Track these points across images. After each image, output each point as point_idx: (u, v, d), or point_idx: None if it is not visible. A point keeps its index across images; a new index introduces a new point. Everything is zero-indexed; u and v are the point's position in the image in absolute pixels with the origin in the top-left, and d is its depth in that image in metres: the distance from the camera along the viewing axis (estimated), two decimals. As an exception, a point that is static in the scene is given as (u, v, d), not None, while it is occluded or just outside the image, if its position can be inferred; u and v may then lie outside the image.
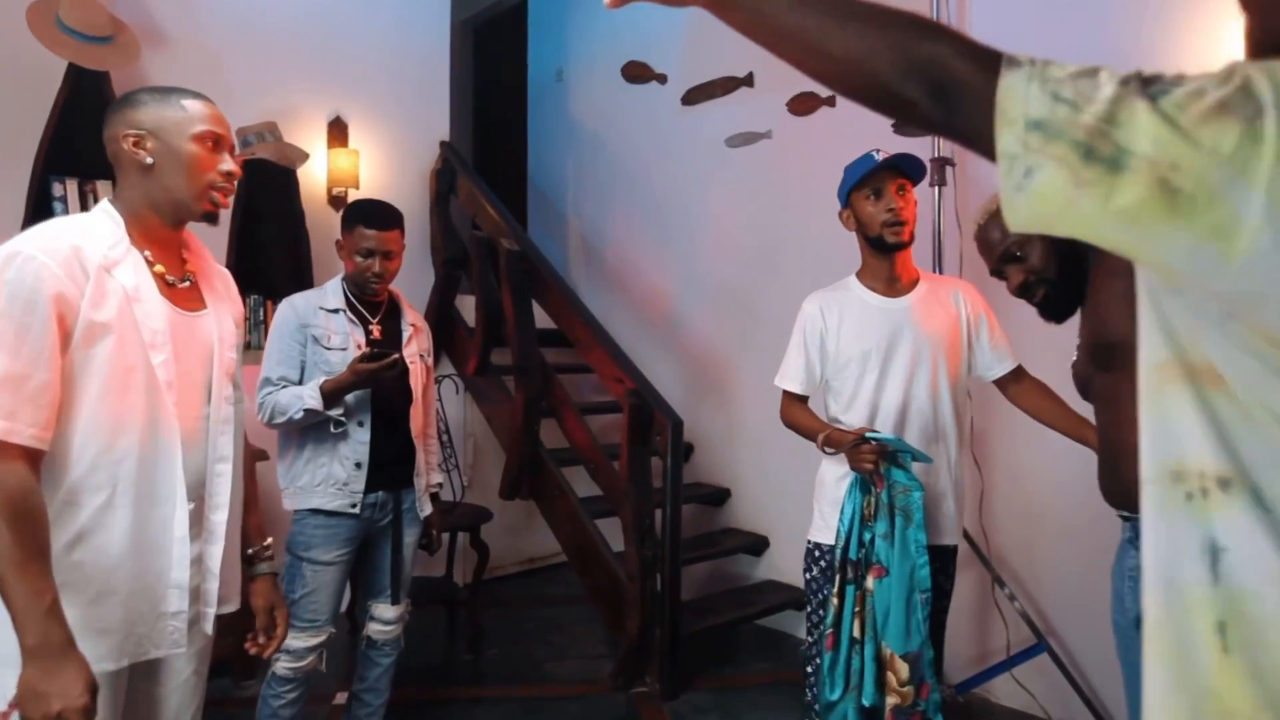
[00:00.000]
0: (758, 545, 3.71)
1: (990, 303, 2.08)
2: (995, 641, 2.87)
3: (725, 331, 3.90)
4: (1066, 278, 1.45)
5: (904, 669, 1.81)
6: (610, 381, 3.19)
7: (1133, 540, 1.39)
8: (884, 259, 1.98)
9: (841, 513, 1.89)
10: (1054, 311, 1.50)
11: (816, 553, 2.03)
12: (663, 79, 4.08)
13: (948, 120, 0.73)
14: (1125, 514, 1.40)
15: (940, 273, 2.73)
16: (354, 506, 2.12)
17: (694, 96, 3.94)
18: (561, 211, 4.89)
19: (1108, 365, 1.37)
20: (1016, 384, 2.08)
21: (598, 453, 3.20)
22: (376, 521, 2.20)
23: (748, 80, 3.70)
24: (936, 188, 2.75)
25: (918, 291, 2.00)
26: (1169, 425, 0.76)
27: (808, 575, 2.05)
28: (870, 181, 1.93)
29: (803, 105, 3.50)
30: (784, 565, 3.65)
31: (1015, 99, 0.69)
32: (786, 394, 2.11)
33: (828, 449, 1.94)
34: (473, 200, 3.87)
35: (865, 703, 1.85)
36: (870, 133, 3.21)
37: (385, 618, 2.26)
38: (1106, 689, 2.63)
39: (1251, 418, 0.71)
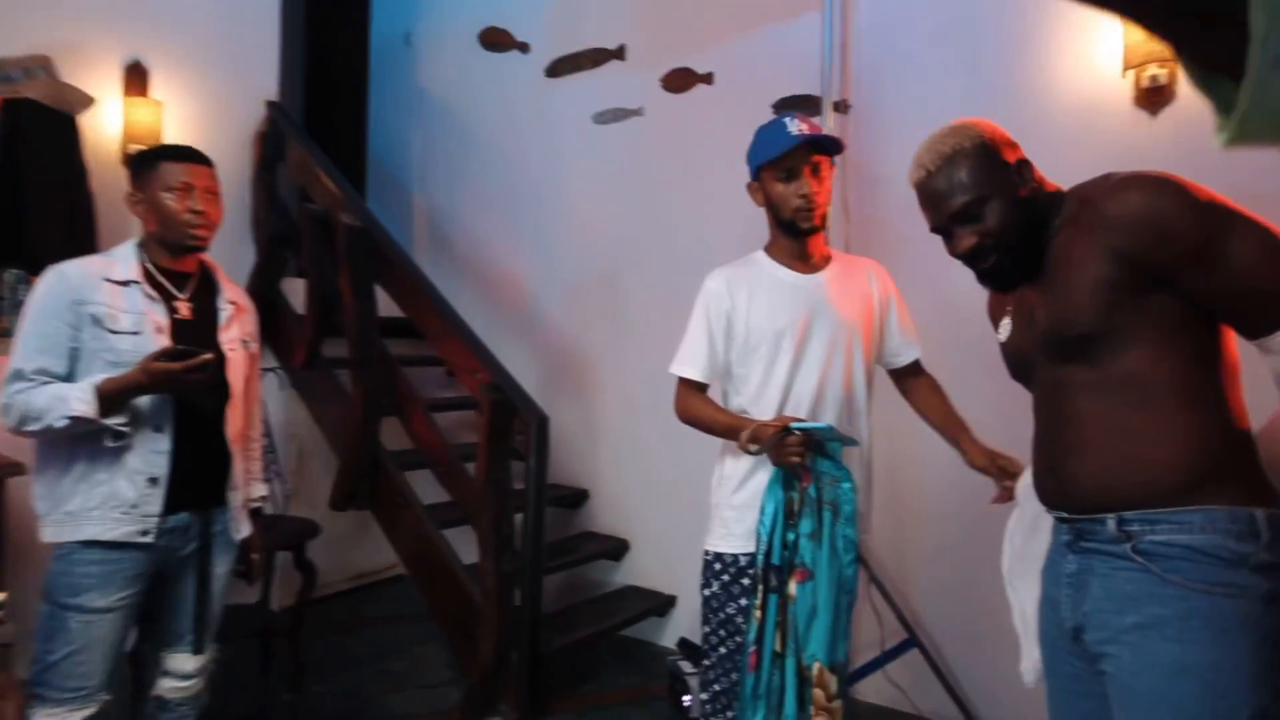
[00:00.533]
0: (618, 550, 3.48)
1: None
2: (867, 637, 2.79)
3: (587, 321, 3.65)
4: (1027, 245, 1.26)
5: (833, 682, 1.64)
6: (466, 375, 2.84)
7: (1071, 544, 1.26)
8: (795, 238, 1.81)
9: (762, 514, 1.68)
10: (1001, 280, 1.32)
11: (718, 565, 1.82)
12: (525, 48, 3.76)
13: None
14: (1064, 515, 1.26)
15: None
16: (146, 534, 1.64)
17: (560, 68, 3.65)
18: (406, 188, 4.44)
19: (1068, 357, 1.22)
20: (914, 377, 1.97)
21: (449, 455, 2.85)
22: (177, 551, 1.73)
23: (619, 53, 3.46)
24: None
25: (831, 269, 1.84)
26: None
27: (707, 592, 1.83)
28: (784, 160, 1.74)
29: (678, 81, 3.31)
30: (645, 570, 3.44)
31: None
32: (684, 384, 1.87)
33: (751, 447, 1.69)
34: (305, 169, 3.38)
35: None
36: (749, 112, 3.06)
37: (183, 671, 1.79)
38: (972, 684, 2.61)
39: None
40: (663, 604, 3.30)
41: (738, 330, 1.80)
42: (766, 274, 1.83)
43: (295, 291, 3.53)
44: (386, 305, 3.12)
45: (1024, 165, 1.30)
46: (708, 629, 1.84)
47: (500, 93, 3.91)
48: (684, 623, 3.25)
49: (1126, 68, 2.33)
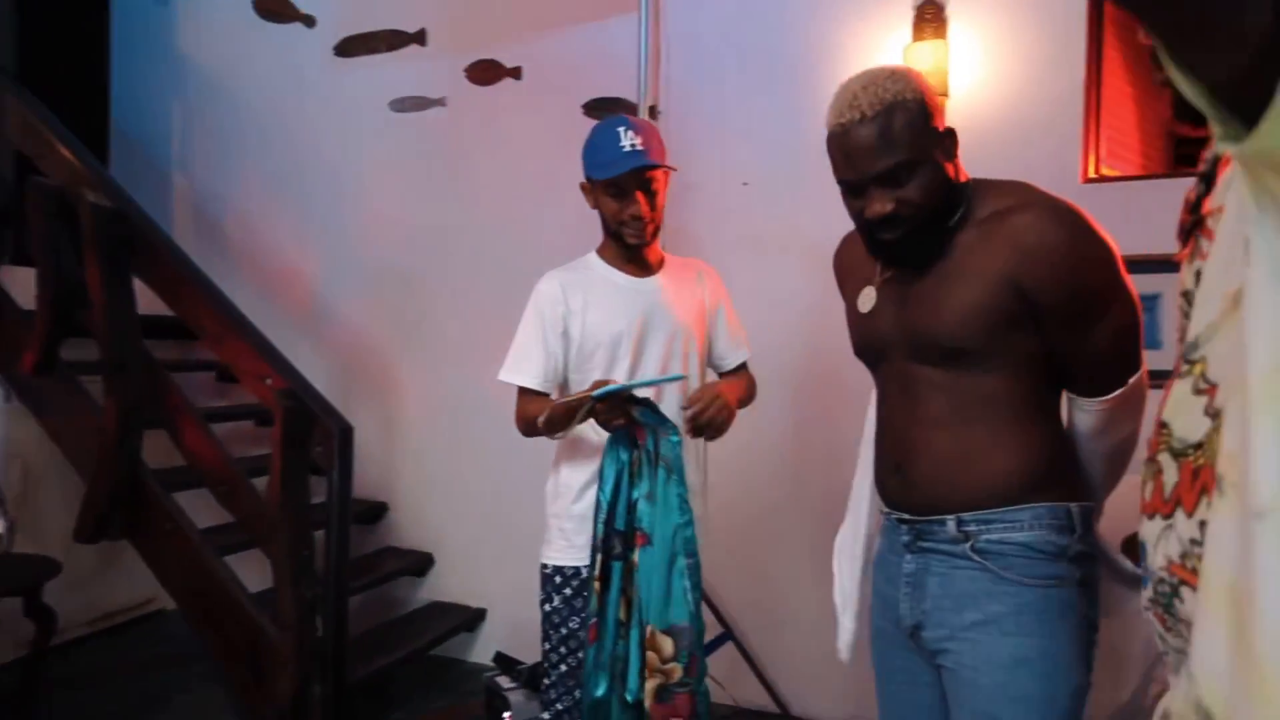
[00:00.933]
0: (421, 565, 3.29)
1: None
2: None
3: (383, 321, 3.41)
4: (936, 226, 1.20)
5: (667, 643, 1.60)
6: (253, 381, 2.52)
7: (909, 544, 1.30)
8: (625, 244, 1.79)
9: (603, 478, 1.63)
10: (899, 256, 1.25)
11: (558, 578, 1.76)
12: (309, 21, 3.43)
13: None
14: (905, 517, 1.30)
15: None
16: None
17: (351, 48, 3.38)
18: (161, 167, 3.88)
19: (930, 360, 1.24)
20: (737, 378, 1.97)
21: (234, 472, 2.52)
22: None
23: (419, 37, 3.27)
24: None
25: (665, 272, 1.83)
26: None
27: (547, 607, 1.77)
28: (615, 179, 1.70)
29: (484, 74, 3.18)
30: (451, 584, 3.29)
31: None
32: (522, 394, 1.77)
33: (557, 434, 1.65)
34: (32, 135, 2.83)
35: (629, 697, 1.60)
36: (559, 111, 3.03)
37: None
38: (781, 676, 2.76)
39: None
40: (472, 619, 3.16)
41: (574, 335, 1.75)
42: (600, 277, 1.79)
43: (16, 281, 2.95)
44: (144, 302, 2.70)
45: (952, 136, 1.22)
46: (548, 646, 1.77)
47: (282, 68, 3.54)
48: (496, 636, 3.14)
49: (909, 96, 2.59)
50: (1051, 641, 1.18)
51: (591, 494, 1.71)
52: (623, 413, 1.58)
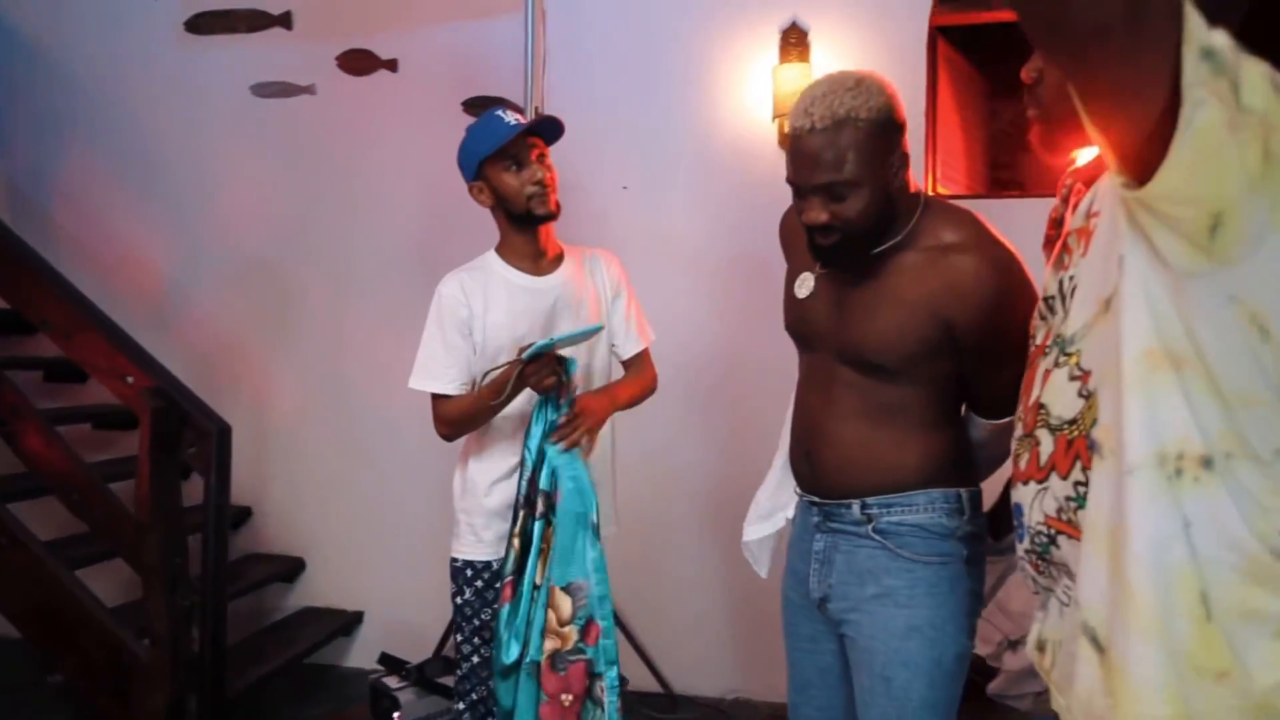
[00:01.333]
0: (291, 570, 3.16)
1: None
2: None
3: (245, 316, 3.23)
4: (872, 238, 1.27)
5: (566, 603, 1.59)
6: (112, 379, 2.34)
7: (820, 525, 1.42)
8: (528, 233, 1.76)
9: (529, 437, 1.65)
10: (832, 261, 1.32)
11: (469, 572, 1.78)
12: (154, -7, 3.18)
13: (1131, 24, 0.66)
14: (815, 500, 1.43)
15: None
16: None
17: (205, 25, 3.17)
18: (-32, 144, 3.45)
19: (854, 367, 1.35)
20: (638, 370, 1.95)
21: (89, 478, 2.33)
22: None
23: (284, 20, 3.12)
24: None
25: (566, 267, 1.82)
26: (1157, 411, 0.82)
27: (459, 600, 1.79)
28: (508, 149, 1.68)
29: (357, 63, 3.10)
30: (324, 588, 3.18)
31: (1194, 21, 0.67)
32: (437, 401, 1.75)
33: (495, 399, 1.62)
34: None
35: (527, 659, 1.59)
36: (438, 106, 3.01)
37: None
38: (664, 658, 2.89)
39: (1224, 397, 0.80)
40: (349, 622, 3.08)
41: (477, 339, 1.73)
42: (501, 278, 1.76)
43: None
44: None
45: (904, 159, 1.26)
46: (460, 638, 1.79)
47: (121, 41, 3.25)
48: (375, 639, 3.07)
49: (775, 115, 2.81)
50: (940, 612, 1.32)
51: (502, 489, 1.75)
52: (551, 370, 1.61)
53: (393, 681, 2.61)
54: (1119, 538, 0.88)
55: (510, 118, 1.71)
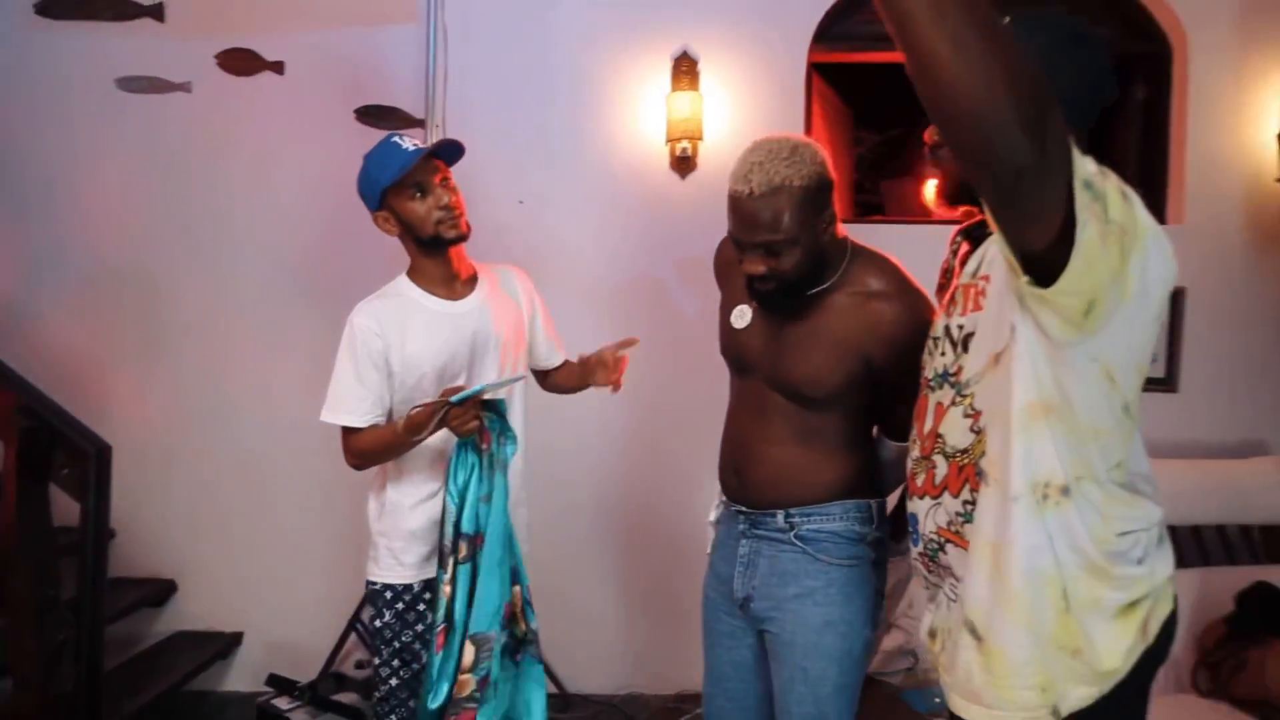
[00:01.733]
0: (161, 594, 2.99)
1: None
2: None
3: (108, 327, 3.02)
4: (805, 283, 1.44)
5: (470, 652, 1.63)
6: (-31, 398, 2.15)
7: (746, 532, 1.57)
8: (439, 257, 1.75)
9: (452, 480, 1.65)
10: (768, 303, 1.47)
11: (388, 594, 1.78)
12: (-1, -30, 2.91)
13: (1040, 169, 0.82)
14: (742, 509, 1.58)
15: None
16: None
17: (59, 9, 2.93)
18: None
19: (785, 394, 1.48)
20: (555, 372, 2.04)
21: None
22: None
23: (154, 11, 2.95)
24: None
25: (482, 287, 1.81)
26: (1034, 450, 1.04)
27: (379, 622, 1.78)
28: (412, 176, 1.67)
29: (238, 63, 2.98)
30: (198, 611, 3.04)
31: (1079, 159, 0.85)
32: (349, 433, 1.73)
33: (413, 436, 1.62)
34: None
35: (431, 704, 1.62)
36: (328, 114, 2.94)
37: None
38: (558, 660, 2.96)
39: (1080, 433, 1.03)
40: (227, 644, 2.95)
41: (394, 368, 1.70)
42: (417, 304, 1.74)
43: None
44: None
45: (833, 216, 1.41)
46: (378, 660, 1.79)
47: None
48: (255, 660, 2.97)
49: (667, 140, 2.95)
50: (850, 608, 1.51)
51: (421, 512, 1.75)
52: (474, 415, 1.61)
53: (283, 702, 2.56)
54: (1001, 549, 1.09)
55: (408, 143, 1.68)
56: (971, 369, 1.18)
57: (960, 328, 1.25)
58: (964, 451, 1.18)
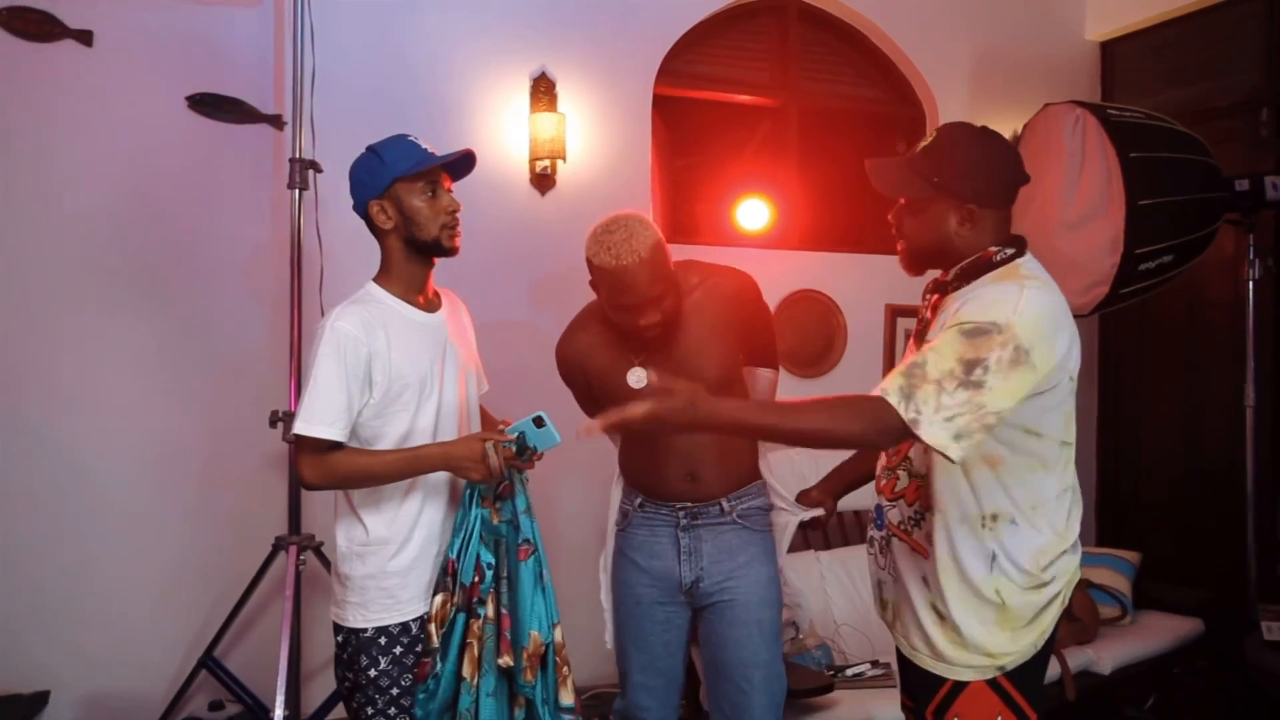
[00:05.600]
0: (31, 708, 2.51)
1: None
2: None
3: None
4: (676, 315, 1.76)
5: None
6: None
7: (685, 527, 1.86)
8: (422, 266, 1.71)
9: (457, 530, 1.64)
10: (664, 340, 1.76)
11: (383, 640, 1.63)
12: None
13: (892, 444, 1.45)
14: (687, 506, 1.85)
15: (300, 284, 2.52)
16: None
17: None
18: None
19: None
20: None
21: None
22: None
23: (-86, -46, 2.41)
24: (298, 190, 2.51)
25: (446, 305, 1.81)
26: (977, 488, 1.47)
27: (373, 671, 1.62)
28: (428, 173, 1.64)
29: (31, 26, 2.55)
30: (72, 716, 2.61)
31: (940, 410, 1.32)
32: (314, 444, 1.60)
33: (406, 476, 1.62)
34: None
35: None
36: (149, 96, 2.64)
37: None
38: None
39: (1011, 478, 1.46)
40: (29, 706, 2.52)
41: (378, 378, 1.61)
42: (396, 313, 1.67)
43: None
44: None
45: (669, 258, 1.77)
46: (372, 710, 1.62)
47: None
48: (66, 718, 2.58)
49: (532, 158, 3.05)
50: (774, 564, 1.90)
51: (414, 544, 1.67)
52: (501, 472, 1.61)
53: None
54: (955, 560, 1.49)
55: (425, 146, 1.66)
56: None
57: None
58: (923, 476, 1.55)
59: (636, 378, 1.78)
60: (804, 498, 1.85)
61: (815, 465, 2.28)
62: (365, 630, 1.63)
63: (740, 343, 1.89)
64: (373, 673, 1.62)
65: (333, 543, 1.73)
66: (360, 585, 1.64)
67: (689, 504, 1.85)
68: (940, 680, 1.51)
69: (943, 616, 1.50)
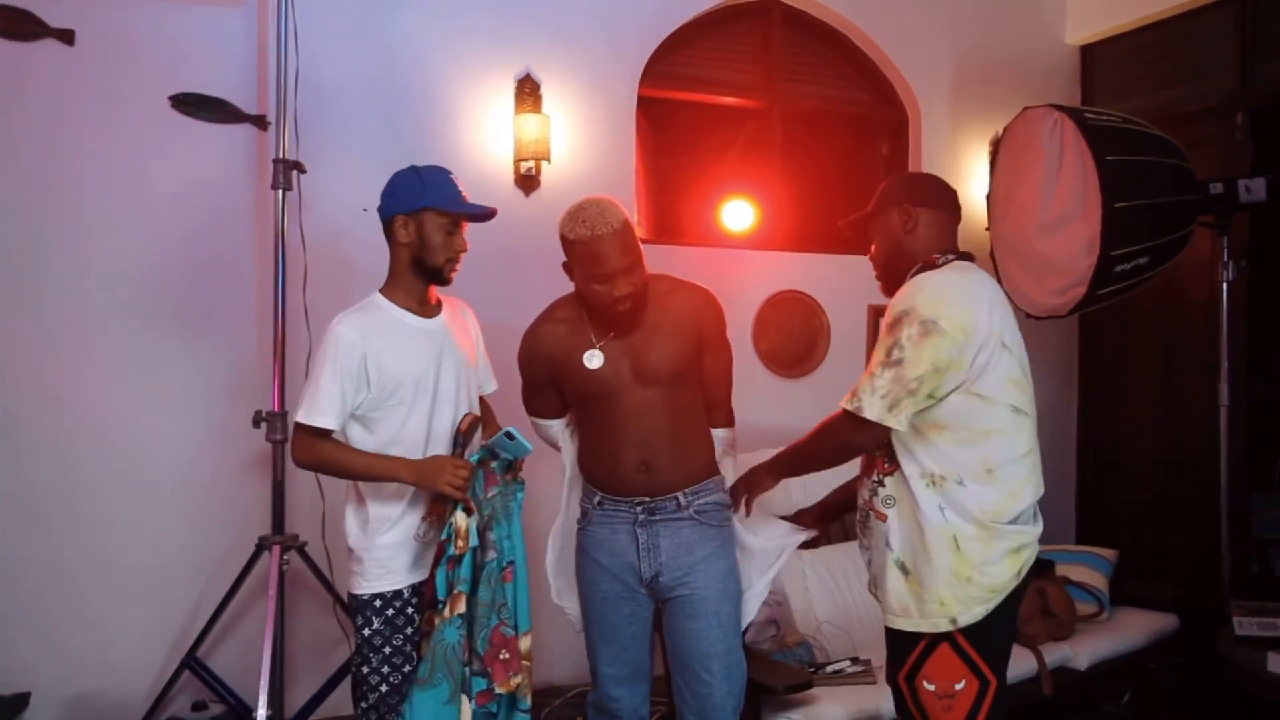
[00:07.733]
0: (11, 709, 2.50)
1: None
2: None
3: None
4: (645, 299, 1.84)
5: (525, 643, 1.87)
6: None
7: (643, 523, 1.88)
8: (424, 281, 1.91)
9: (447, 547, 1.79)
10: (633, 318, 1.83)
11: (377, 602, 1.85)
12: None
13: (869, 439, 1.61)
14: (644, 500, 1.88)
15: (284, 285, 2.53)
16: None
17: None
18: None
19: (659, 385, 1.84)
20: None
21: None
22: None
23: (-107, -48, 2.40)
24: (281, 191, 2.52)
25: (445, 311, 1.98)
26: (928, 451, 1.60)
27: (366, 631, 1.85)
28: (457, 215, 1.87)
29: (11, 25, 2.54)
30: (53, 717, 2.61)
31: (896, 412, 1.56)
32: (309, 430, 1.83)
33: (371, 478, 1.83)
34: None
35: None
36: (133, 97, 2.64)
37: None
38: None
39: (958, 443, 1.59)
40: (10, 708, 2.51)
41: (373, 377, 1.82)
42: (394, 319, 1.88)
43: None
44: None
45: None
46: (367, 669, 1.84)
47: None
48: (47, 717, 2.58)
49: (516, 159, 3.06)
50: (732, 558, 1.94)
51: (403, 525, 1.87)
52: (464, 482, 1.79)
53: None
54: (914, 513, 1.62)
55: (463, 188, 1.88)
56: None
57: None
58: (885, 447, 1.68)
59: (589, 357, 1.86)
60: (801, 517, 2.02)
61: (803, 486, 2.30)
62: (361, 595, 1.87)
63: (698, 353, 1.91)
64: (367, 632, 1.85)
65: (330, 535, 1.96)
66: (359, 558, 1.88)
67: (646, 498, 1.88)
68: (911, 641, 1.64)
69: (906, 571, 1.64)
